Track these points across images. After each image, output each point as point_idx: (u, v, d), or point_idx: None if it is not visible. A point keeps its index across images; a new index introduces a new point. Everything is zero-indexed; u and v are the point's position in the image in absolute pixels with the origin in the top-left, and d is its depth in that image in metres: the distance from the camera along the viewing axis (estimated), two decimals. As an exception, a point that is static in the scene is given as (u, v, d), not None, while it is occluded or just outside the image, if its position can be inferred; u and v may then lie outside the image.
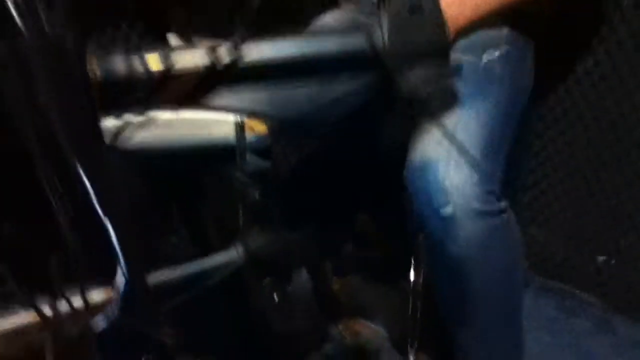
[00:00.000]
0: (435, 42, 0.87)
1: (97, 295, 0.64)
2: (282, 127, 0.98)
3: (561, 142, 1.44)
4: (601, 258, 1.40)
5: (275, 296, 1.36)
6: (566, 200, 1.44)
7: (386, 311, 1.54)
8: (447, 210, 0.92)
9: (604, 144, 1.36)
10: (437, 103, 0.93)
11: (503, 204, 0.97)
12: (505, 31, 1.01)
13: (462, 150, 0.90)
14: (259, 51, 0.84)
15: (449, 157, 0.92)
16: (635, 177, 1.35)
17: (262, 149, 0.99)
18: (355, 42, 0.89)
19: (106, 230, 0.60)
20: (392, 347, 1.45)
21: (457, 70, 0.95)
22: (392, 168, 1.27)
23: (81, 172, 0.54)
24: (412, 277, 1.37)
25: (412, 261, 1.36)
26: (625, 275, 1.38)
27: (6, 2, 0.46)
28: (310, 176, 1.34)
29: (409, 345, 1.36)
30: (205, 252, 1.08)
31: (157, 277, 0.90)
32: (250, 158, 0.96)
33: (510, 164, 1.02)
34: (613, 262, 1.37)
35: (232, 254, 1.09)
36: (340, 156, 1.32)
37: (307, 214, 1.44)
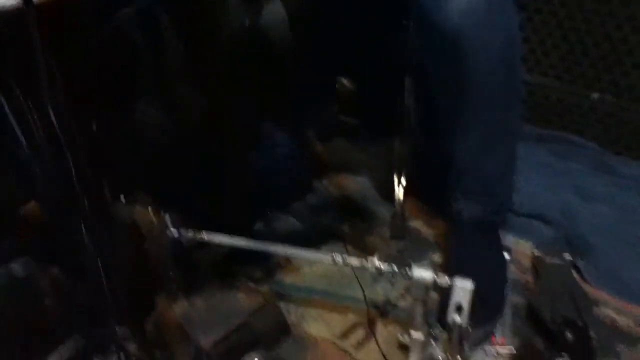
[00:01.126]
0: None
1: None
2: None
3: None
4: (595, 95, 1.33)
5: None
6: (560, 36, 1.36)
7: (370, 165, 1.49)
8: None
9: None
10: None
11: None
12: None
13: None
14: None
15: None
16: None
17: None
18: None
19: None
20: (377, 194, 1.40)
21: None
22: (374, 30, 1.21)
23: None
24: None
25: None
26: (623, 114, 1.32)
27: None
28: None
29: (396, 186, 1.30)
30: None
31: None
32: None
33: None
34: (607, 97, 1.30)
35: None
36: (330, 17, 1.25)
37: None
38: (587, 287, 1.10)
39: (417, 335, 0.95)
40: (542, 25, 1.37)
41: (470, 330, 0.95)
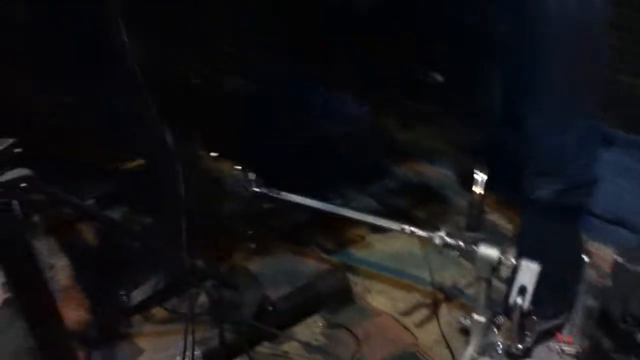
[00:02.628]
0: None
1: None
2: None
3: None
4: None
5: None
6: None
7: (453, 155, 1.49)
8: None
9: None
10: None
11: None
12: None
13: None
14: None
15: None
16: None
17: None
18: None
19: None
20: (457, 184, 1.39)
21: None
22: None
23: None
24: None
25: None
26: None
27: None
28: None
29: (475, 176, 1.29)
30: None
31: None
32: None
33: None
34: None
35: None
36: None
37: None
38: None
39: (479, 318, 0.94)
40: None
41: (535, 318, 0.93)
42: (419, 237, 0.97)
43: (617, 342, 0.87)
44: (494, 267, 0.89)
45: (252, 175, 1.13)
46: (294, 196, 1.10)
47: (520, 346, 0.90)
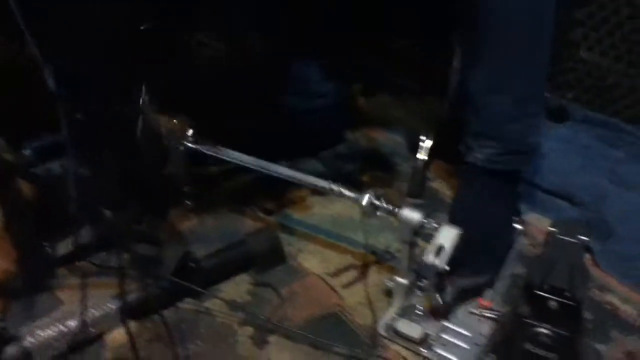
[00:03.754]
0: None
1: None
2: None
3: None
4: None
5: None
6: (627, 14, 1.26)
7: (407, 123, 1.47)
8: None
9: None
10: None
11: None
12: None
13: None
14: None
15: None
16: None
17: None
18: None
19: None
20: (408, 152, 1.38)
21: None
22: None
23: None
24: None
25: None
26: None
27: None
28: None
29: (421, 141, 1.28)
30: None
31: None
32: None
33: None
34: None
35: None
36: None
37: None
38: (596, 271, 1.04)
39: (401, 280, 0.94)
40: (609, 1, 1.28)
41: (454, 278, 0.92)
42: (347, 197, 0.95)
43: (532, 308, 0.86)
44: (416, 230, 0.88)
45: (189, 130, 1.10)
46: (228, 152, 1.08)
47: (439, 299, 0.89)
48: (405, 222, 0.87)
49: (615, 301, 0.99)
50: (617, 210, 1.13)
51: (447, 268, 0.82)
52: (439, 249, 0.83)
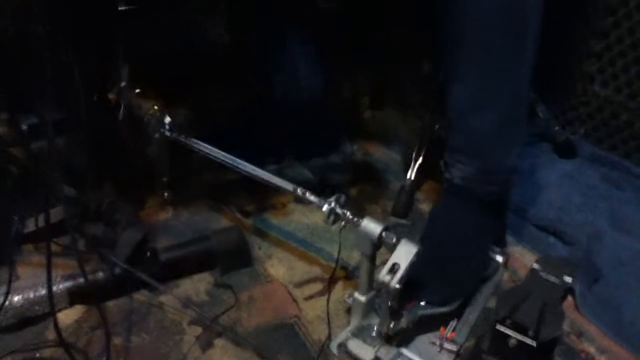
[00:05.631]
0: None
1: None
2: None
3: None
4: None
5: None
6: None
7: (408, 141, 1.42)
8: None
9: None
10: None
11: None
12: None
13: None
14: None
15: None
16: None
17: None
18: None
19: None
20: (401, 168, 1.33)
21: None
22: None
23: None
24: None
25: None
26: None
27: None
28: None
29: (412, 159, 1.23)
30: None
31: None
32: None
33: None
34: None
35: None
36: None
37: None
38: (578, 317, 0.96)
39: (359, 297, 0.88)
40: (627, 35, 1.22)
41: (421, 304, 0.87)
42: (311, 202, 0.91)
43: (492, 344, 0.80)
44: (375, 244, 0.82)
45: (167, 118, 1.08)
46: (203, 145, 1.05)
47: (391, 326, 0.83)
48: (364, 234, 0.82)
49: (592, 350, 0.91)
50: (610, 254, 1.06)
51: (398, 286, 0.76)
52: (393, 267, 0.77)
